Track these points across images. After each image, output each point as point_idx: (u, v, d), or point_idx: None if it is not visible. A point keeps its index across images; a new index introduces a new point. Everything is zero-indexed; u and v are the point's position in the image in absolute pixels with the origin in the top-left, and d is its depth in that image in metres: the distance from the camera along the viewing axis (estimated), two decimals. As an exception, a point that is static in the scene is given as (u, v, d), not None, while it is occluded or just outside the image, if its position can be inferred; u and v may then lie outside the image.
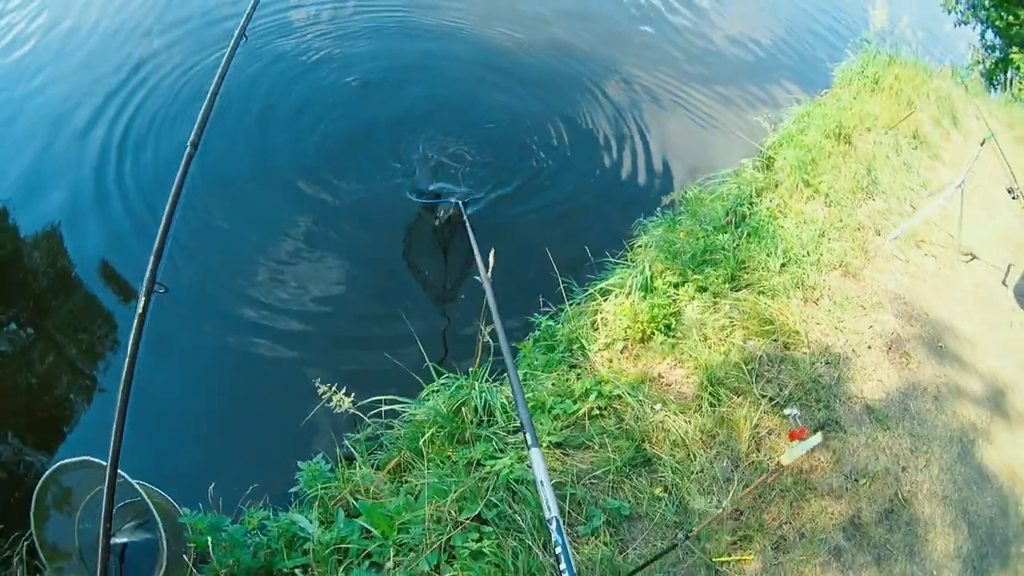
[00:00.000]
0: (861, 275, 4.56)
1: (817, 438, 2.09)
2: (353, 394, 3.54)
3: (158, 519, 3.14)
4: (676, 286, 4.10)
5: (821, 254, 4.44)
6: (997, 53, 10.35)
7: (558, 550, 1.89)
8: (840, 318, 4.24)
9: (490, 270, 3.49)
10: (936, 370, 4.43)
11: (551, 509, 1.94)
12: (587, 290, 4.35)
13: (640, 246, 4.49)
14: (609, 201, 5.58)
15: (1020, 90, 8.69)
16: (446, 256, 5.07)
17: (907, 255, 4.89)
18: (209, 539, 3.35)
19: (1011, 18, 9.79)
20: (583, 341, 3.95)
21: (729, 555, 3.37)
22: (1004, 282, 5.51)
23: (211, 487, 3.50)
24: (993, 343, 5.01)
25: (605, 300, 4.17)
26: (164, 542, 3.17)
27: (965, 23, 10.98)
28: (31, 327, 4.85)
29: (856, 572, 3.57)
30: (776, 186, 4.82)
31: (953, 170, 5.98)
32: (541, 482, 2.01)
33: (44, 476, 3.29)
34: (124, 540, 3.55)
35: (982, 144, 4.88)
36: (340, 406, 3.48)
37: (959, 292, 5.01)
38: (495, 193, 5.46)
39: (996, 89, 9.29)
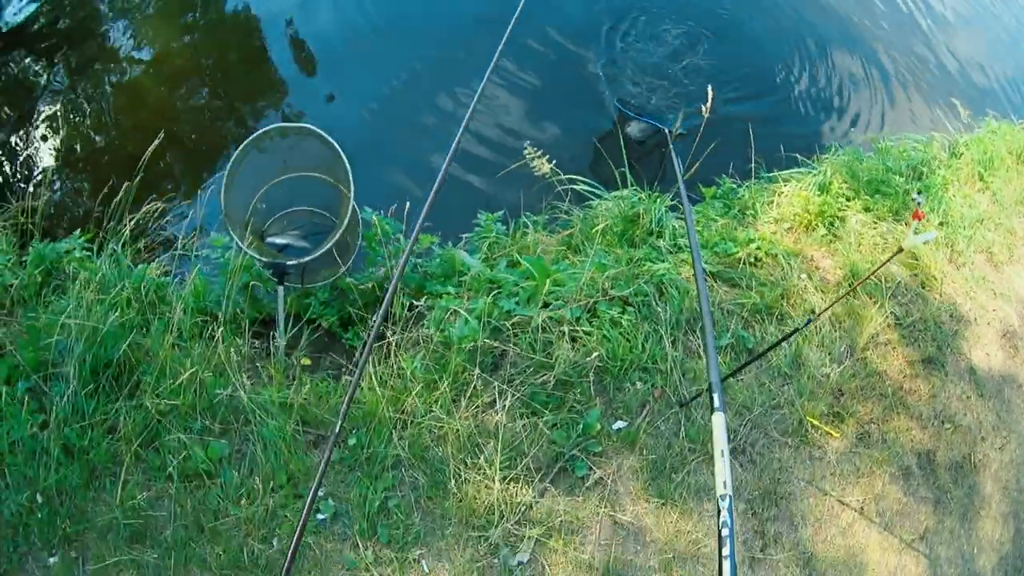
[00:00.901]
0: (1002, 268, 4.74)
1: (933, 233, 2.31)
2: (554, 161, 3.86)
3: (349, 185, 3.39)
4: (847, 198, 4.34)
5: (975, 232, 4.63)
6: None
7: (724, 532, 1.55)
8: (973, 289, 4.44)
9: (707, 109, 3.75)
10: (1036, 377, 4.61)
11: (726, 485, 1.65)
12: (773, 173, 4.62)
13: (828, 159, 4.74)
14: (814, 119, 5.94)
15: None
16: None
17: (1047, 275, 5.06)
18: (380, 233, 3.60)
19: None
20: (756, 209, 4.22)
21: (821, 422, 3.62)
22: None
23: (407, 206, 3.80)
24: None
25: (786, 185, 4.44)
26: (348, 213, 3.41)
27: None
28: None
29: (916, 502, 3.77)
30: (955, 169, 5.03)
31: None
32: (722, 452, 1.75)
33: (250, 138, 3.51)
34: (286, 242, 3.86)
35: None
36: (540, 169, 3.79)
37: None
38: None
39: None
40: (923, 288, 4.19)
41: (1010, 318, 4.59)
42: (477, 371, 3.24)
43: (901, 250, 2.41)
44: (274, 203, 3.88)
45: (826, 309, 2.85)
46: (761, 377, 3.61)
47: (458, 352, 3.24)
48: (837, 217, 4.20)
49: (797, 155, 4.74)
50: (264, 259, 3.48)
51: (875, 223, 4.29)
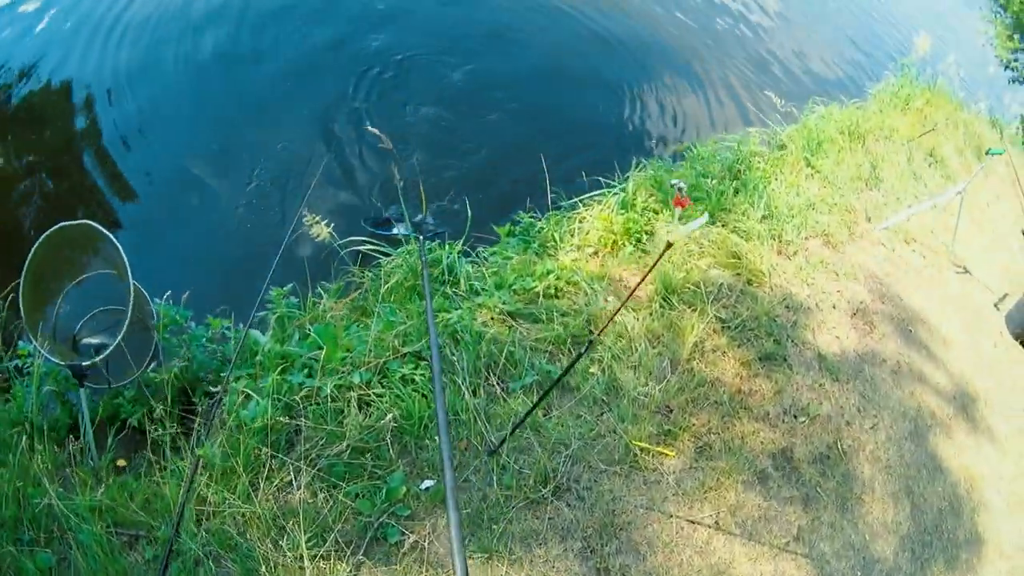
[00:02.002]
0: (842, 249, 4.74)
1: (703, 218, 2.25)
2: (333, 224, 3.90)
3: (130, 280, 3.41)
4: (655, 211, 4.35)
5: (805, 219, 4.63)
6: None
7: None
8: (810, 275, 4.42)
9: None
10: (900, 348, 4.54)
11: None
12: (573, 200, 4.63)
13: (632, 176, 4.77)
14: (616, 139, 5.98)
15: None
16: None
17: (894, 246, 5.04)
18: (169, 330, 3.66)
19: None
20: (556, 240, 4.21)
21: (650, 444, 3.53)
22: (996, 306, 5.58)
23: (185, 295, 3.89)
24: (971, 352, 5.08)
25: (587, 210, 4.45)
26: (131, 302, 3.42)
27: (1021, 82, 11.02)
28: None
29: (780, 503, 3.67)
30: (779, 160, 5.06)
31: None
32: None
33: (43, 237, 3.54)
34: (96, 342, 3.81)
35: (987, 153, 5.03)
36: (319, 235, 3.82)
37: (942, 295, 5.12)
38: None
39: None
40: (749, 285, 4.17)
41: (859, 295, 4.56)
42: (270, 451, 3.18)
43: (671, 245, 2.32)
44: (77, 303, 3.90)
45: (603, 328, 2.81)
46: (576, 409, 3.54)
47: (250, 434, 3.20)
48: (645, 232, 4.20)
49: (600, 178, 4.77)
50: (60, 362, 3.45)
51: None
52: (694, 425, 3.67)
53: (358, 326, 3.64)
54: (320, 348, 3.49)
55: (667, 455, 3.54)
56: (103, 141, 5.60)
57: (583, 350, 2.85)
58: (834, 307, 4.38)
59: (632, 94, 6.52)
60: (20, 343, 3.87)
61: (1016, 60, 11.31)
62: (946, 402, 4.64)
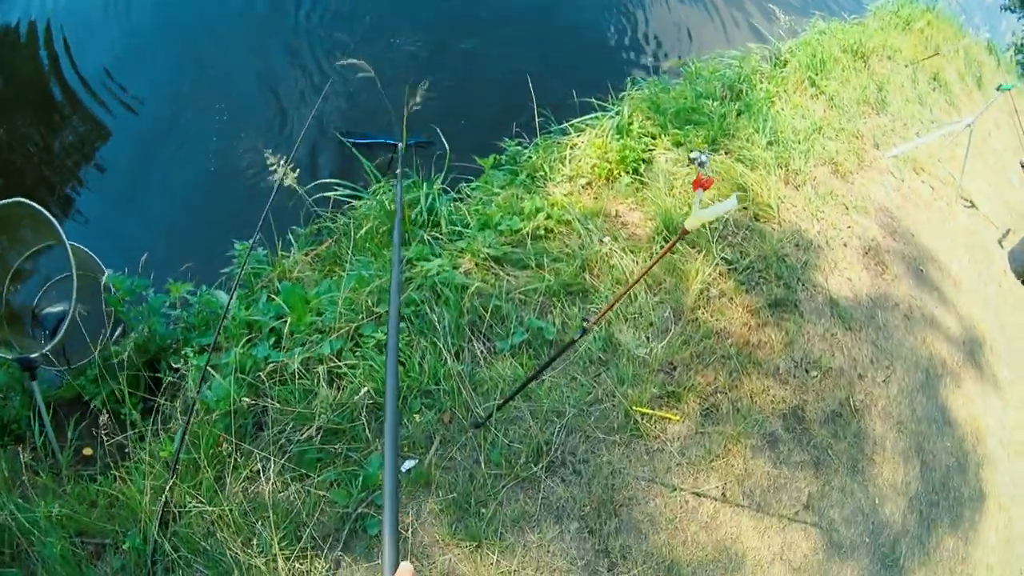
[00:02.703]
0: (851, 178, 4.27)
1: (732, 201, 1.74)
2: (298, 171, 3.28)
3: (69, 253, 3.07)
4: (653, 136, 3.78)
5: (812, 145, 4.12)
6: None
7: None
8: (820, 208, 3.95)
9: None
10: (912, 291, 4.14)
11: None
12: (563, 125, 4.03)
13: (627, 95, 4.17)
14: (607, 55, 5.28)
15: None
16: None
17: (903, 176, 4.60)
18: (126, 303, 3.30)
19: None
20: (546, 170, 3.64)
21: (652, 408, 3.06)
22: (1000, 243, 5.25)
23: (143, 257, 3.44)
24: (978, 293, 4.74)
25: (579, 136, 3.85)
26: (75, 279, 3.09)
27: (1012, 10, 10.68)
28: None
29: (790, 469, 3.30)
30: (782, 79, 4.50)
31: (968, 123, 5.70)
32: None
33: None
34: (57, 310, 3.58)
35: (998, 89, 4.60)
36: (285, 180, 3.24)
37: (951, 230, 4.73)
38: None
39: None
40: (757, 221, 3.68)
41: (870, 231, 4.12)
42: (235, 441, 2.75)
43: (686, 232, 1.90)
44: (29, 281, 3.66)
45: (599, 318, 2.26)
46: (571, 371, 3.04)
47: (214, 423, 2.77)
48: (642, 160, 3.65)
49: (593, 99, 4.14)
50: (6, 355, 3.15)
51: (688, 160, 3.74)
52: (699, 384, 3.22)
53: (330, 280, 3.08)
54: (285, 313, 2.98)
55: (671, 419, 3.10)
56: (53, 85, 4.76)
57: (577, 336, 2.36)
58: (845, 245, 3.94)
59: (624, 5, 5.76)
60: None
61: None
62: (956, 348, 4.31)
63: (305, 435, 2.80)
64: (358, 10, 5.15)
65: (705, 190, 1.84)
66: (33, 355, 3.14)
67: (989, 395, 4.40)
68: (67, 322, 3.13)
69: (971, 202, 5.05)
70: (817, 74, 4.61)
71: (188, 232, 4.06)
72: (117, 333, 3.47)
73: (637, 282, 2.02)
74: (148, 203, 4.20)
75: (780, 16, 5.29)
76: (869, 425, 3.62)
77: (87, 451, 3.06)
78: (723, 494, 3.11)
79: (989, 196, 5.35)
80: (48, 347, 3.14)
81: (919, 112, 5.23)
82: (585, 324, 2.45)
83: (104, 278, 3.41)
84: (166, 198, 4.22)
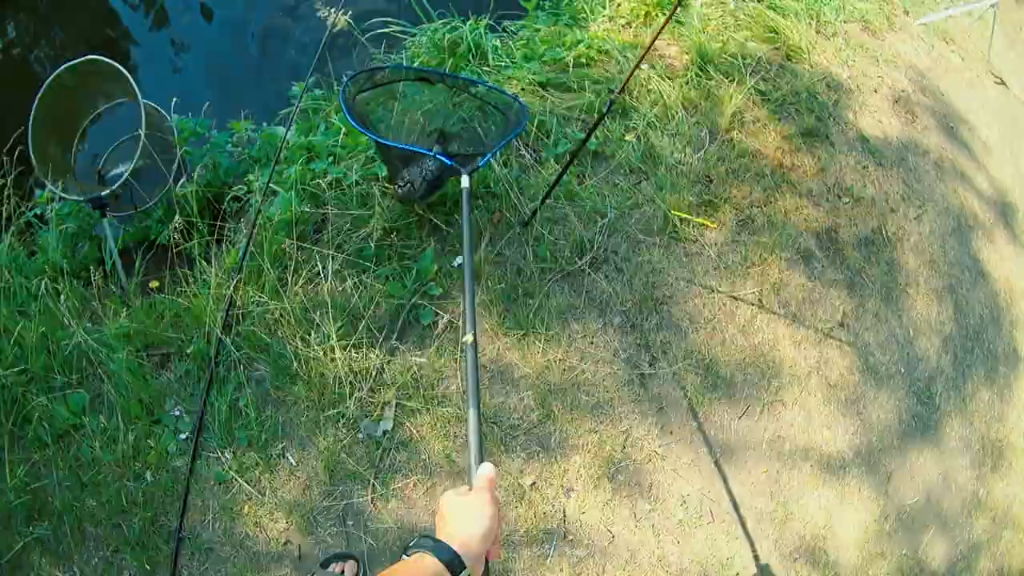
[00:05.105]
0: (881, 36, 4.39)
1: None
2: (350, 12, 3.52)
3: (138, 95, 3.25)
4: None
5: (844, 2, 4.25)
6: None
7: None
8: (850, 57, 4.09)
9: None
10: (943, 143, 4.25)
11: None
12: None
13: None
14: None
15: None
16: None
17: (933, 43, 4.69)
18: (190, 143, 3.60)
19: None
20: (588, 11, 3.91)
21: (691, 214, 3.23)
22: (1031, 123, 5.29)
23: (205, 105, 3.67)
24: (1010, 163, 4.80)
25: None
26: (144, 121, 3.25)
27: None
28: None
29: (824, 285, 3.45)
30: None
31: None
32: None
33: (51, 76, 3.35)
34: (122, 170, 3.68)
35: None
36: (337, 24, 3.47)
37: (982, 98, 4.81)
38: None
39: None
40: (788, 60, 3.84)
41: (900, 84, 4.24)
42: (296, 243, 2.97)
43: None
44: (99, 140, 3.87)
45: (624, 84, 2.44)
46: (612, 177, 3.24)
47: (275, 229, 3.00)
48: (681, 2, 3.80)
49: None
50: (78, 197, 3.36)
51: (721, 2, 3.90)
52: (735, 196, 3.40)
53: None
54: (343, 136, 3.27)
55: (708, 226, 3.28)
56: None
57: (606, 108, 2.54)
58: (875, 91, 4.07)
59: None
60: (38, 192, 3.74)
61: None
62: (988, 206, 4.39)
63: (364, 234, 3.03)
64: None
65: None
66: (103, 192, 3.36)
67: (1023, 259, 4.46)
68: (135, 159, 3.32)
69: (1001, 79, 5.12)
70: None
71: (246, 82, 4.36)
72: (181, 181, 3.70)
73: (660, 31, 2.19)
74: (203, 61, 4.52)
75: None
76: (902, 257, 3.74)
77: (154, 283, 3.26)
78: (759, 300, 3.28)
79: (1020, 76, 5.39)
80: (116, 186, 3.36)
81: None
82: (612, 96, 2.65)
83: (170, 120, 3.65)
84: (221, 51, 4.53)
